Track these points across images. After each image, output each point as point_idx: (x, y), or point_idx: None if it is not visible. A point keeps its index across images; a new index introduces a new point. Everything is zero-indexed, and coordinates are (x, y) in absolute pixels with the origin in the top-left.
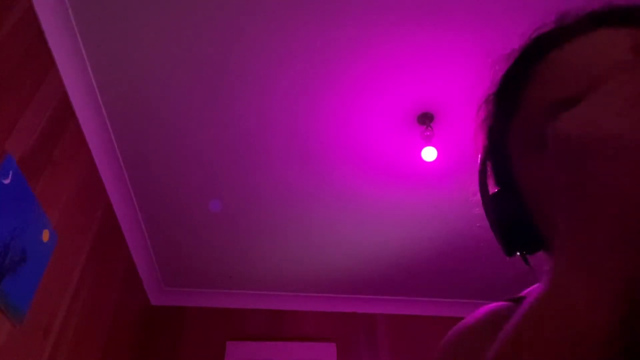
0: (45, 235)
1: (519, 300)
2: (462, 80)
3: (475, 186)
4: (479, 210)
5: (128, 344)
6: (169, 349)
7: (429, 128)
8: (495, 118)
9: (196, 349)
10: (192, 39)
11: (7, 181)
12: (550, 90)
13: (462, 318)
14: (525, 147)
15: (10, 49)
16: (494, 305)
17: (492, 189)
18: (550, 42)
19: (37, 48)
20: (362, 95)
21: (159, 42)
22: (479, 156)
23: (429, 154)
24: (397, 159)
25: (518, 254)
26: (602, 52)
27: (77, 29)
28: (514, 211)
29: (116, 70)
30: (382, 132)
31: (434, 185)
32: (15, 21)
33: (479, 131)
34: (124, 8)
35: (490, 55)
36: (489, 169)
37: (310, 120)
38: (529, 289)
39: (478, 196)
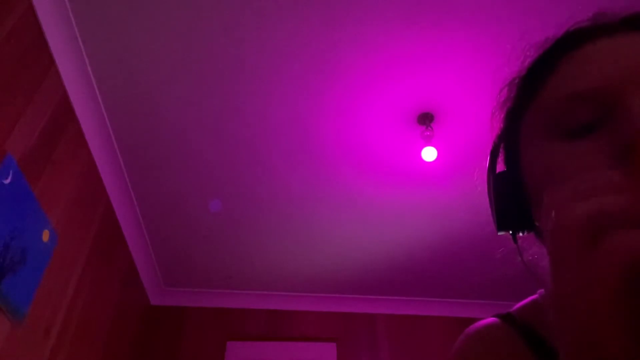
0: (45, 235)
1: (507, 318)
2: (462, 81)
3: (483, 166)
4: (482, 188)
5: (128, 344)
6: (169, 349)
7: (429, 128)
8: (515, 101)
9: (196, 349)
10: (193, 40)
11: (7, 181)
12: (567, 83)
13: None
14: (535, 132)
15: (10, 49)
16: (483, 326)
17: (500, 169)
18: (579, 37)
19: (37, 48)
20: (363, 95)
21: (159, 42)
22: (494, 136)
23: (429, 154)
24: (397, 159)
25: (510, 232)
26: (619, 57)
27: (77, 29)
28: (513, 191)
29: (116, 71)
30: (382, 132)
31: (434, 185)
32: (15, 21)
33: (498, 112)
34: (124, 8)
35: (489, 56)
36: (501, 149)
37: (310, 120)
38: (518, 305)
39: (484, 176)
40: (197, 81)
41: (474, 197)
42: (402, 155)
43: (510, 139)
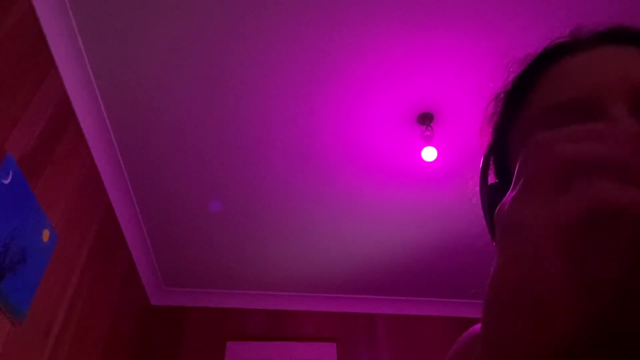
0: (45, 235)
1: None
2: (462, 81)
3: (476, 177)
4: (476, 200)
5: (128, 344)
6: (169, 349)
7: (429, 128)
8: (501, 116)
9: (196, 349)
10: (193, 40)
11: (7, 181)
12: (551, 95)
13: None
14: (522, 146)
15: (10, 49)
16: (478, 330)
17: (492, 180)
18: (559, 52)
19: (37, 48)
20: (363, 95)
21: (159, 42)
22: (484, 149)
23: (429, 154)
24: (397, 159)
25: None
26: (595, 69)
27: (77, 29)
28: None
29: (116, 71)
30: (382, 132)
31: (434, 185)
32: (15, 21)
33: (486, 126)
34: (124, 8)
35: (489, 56)
36: (491, 162)
37: (311, 120)
38: None
39: (477, 187)
40: (198, 81)
41: (473, 196)
42: (402, 155)
43: (499, 151)
